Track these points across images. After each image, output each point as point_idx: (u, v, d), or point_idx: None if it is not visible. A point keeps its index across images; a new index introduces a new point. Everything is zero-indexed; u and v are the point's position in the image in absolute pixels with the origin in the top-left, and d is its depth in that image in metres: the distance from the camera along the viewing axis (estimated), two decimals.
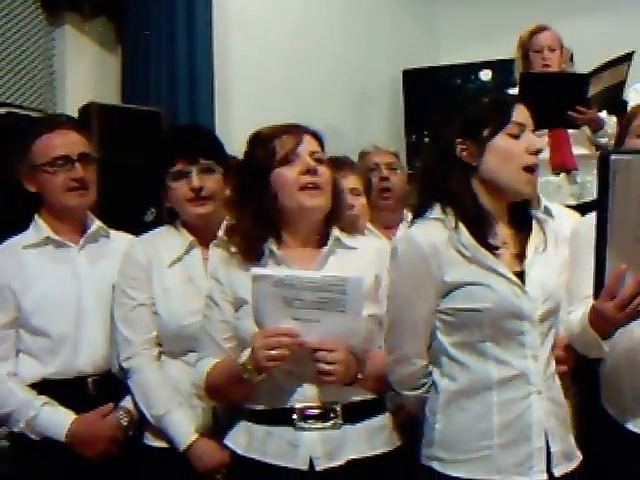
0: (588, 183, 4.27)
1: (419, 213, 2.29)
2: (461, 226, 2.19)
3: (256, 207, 2.35)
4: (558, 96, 4.07)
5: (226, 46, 5.32)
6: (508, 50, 5.52)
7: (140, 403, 2.63)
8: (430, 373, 2.27)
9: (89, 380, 2.67)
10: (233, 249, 2.39)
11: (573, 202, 4.26)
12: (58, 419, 2.60)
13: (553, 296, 2.24)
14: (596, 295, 2.15)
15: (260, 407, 2.30)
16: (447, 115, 2.32)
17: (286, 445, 2.23)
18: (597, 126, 4.24)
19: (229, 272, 2.38)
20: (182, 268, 2.66)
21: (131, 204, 3.55)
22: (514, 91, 4.15)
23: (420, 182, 2.36)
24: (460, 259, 2.17)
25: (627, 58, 4.21)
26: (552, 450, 2.16)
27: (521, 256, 2.24)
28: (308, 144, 2.37)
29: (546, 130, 4.25)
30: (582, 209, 3.33)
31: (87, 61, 4.99)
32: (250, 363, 2.20)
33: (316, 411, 2.25)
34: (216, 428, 2.55)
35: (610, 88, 4.25)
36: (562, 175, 4.41)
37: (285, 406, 2.25)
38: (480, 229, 2.20)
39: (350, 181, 3.00)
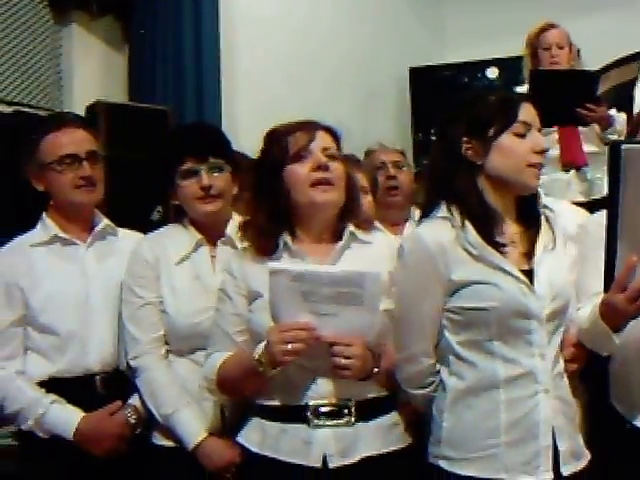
0: (598, 180, 4.26)
1: (426, 212, 2.29)
2: (468, 224, 2.19)
3: (270, 203, 2.35)
4: (568, 93, 4.08)
5: (232, 45, 5.33)
6: (514, 48, 5.52)
7: (148, 402, 2.62)
8: (438, 372, 2.27)
9: (97, 378, 2.67)
10: (246, 244, 2.40)
11: (583, 199, 4.26)
12: (66, 417, 2.61)
13: (562, 294, 2.23)
14: (606, 287, 2.14)
15: (273, 403, 2.29)
16: (453, 113, 2.32)
17: (300, 442, 2.22)
18: (606, 123, 4.23)
19: (243, 265, 2.38)
20: (190, 266, 2.65)
21: (138, 202, 3.57)
22: (522, 89, 4.15)
23: (427, 180, 2.37)
24: (467, 258, 2.17)
25: (638, 57, 4.20)
26: (560, 449, 2.16)
27: (529, 254, 2.24)
28: (321, 140, 2.37)
29: (556, 127, 4.26)
30: (592, 206, 3.33)
31: (94, 60, 5.01)
32: (265, 357, 2.19)
33: (330, 408, 2.24)
34: (224, 426, 2.55)
35: (620, 86, 4.25)
36: (572, 172, 4.41)
37: (299, 403, 2.24)
38: (487, 227, 2.19)
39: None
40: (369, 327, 2.20)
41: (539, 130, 2.27)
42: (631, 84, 4.30)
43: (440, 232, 2.20)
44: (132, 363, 2.65)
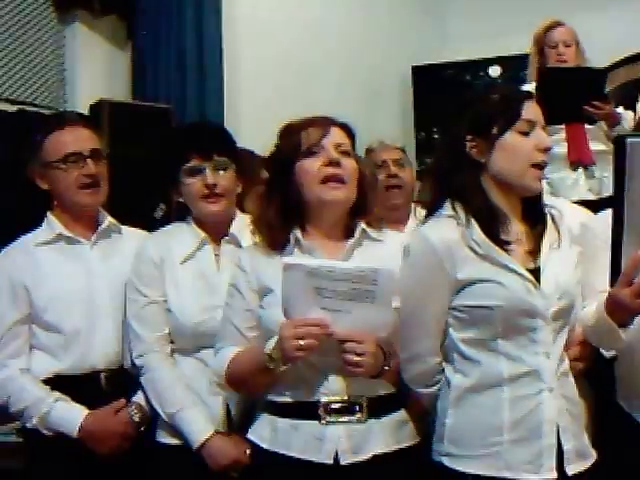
0: (606, 178, 4.24)
1: (431, 211, 2.28)
2: (473, 223, 2.18)
3: (281, 198, 2.35)
4: (575, 90, 4.07)
5: (235, 44, 5.34)
6: (517, 46, 5.54)
7: (153, 401, 2.63)
8: (443, 370, 2.27)
9: (101, 375, 2.67)
10: (258, 238, 2.39)
11: (591, 197, 4.24)
12: (70, 415, 2.61)
13: (568, 293, 2.23)
14: (612, 282, 2.12)
15: (285, 400, 2.28)
16: (457, 112, 2.31)
17: (311, 439, 2.22)
18: (614, 121, 4.20)
19: (254, 260, 2.37)
20: (194, 265, 2.66)
21: (141, 200, 3.57)
22: (530, 87, 4.12)
23: (431, 179, 2.35)
24: (473, 256, 2.16)
25: None
26: (564, 448, 2.15)
27: (535, 253, 2.23)
28: (334, 136, 2.36)
29: (563, 125, 4.25)
30: (601, 204, 3.32)
31: (98, 59, 5.02)
32: (276, 352, 2.18)
33: (341, 405, 2.23)
34: (229, 425, 2.56)
35: (628, 84, 4.23)
36: (579, 170, 4.38)
37: (310, 399, 2.24)
38: (492, 226, 2.19)
39: None
40: (381, 324, 2.19)
41: (543, 128, 2.26)
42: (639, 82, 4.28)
43: (446, 231, 2.18)
44: (137, 361, 2.65)
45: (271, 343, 2.21)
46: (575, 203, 3.66)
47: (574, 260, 2.35)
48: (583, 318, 2.33)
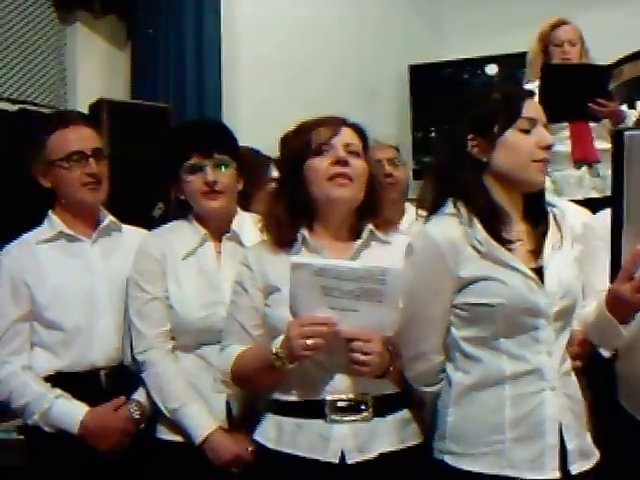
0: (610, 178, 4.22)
1: (433, 209, 2.27)
2: (476, 222, 2.17)
3: (290, 196, 2.36)
4: (579, 88, 4.04)
5: (234, 44, 5.35)
6: (514, 44, 5.54)
7: (155, 396, 2.63)
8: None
9: (102, 373, 2.69)
10: (266, 236, 2.40)
11: (596, 195, 4.23)
12: (71, 411, 2.62)
13: (571, 292, 2.21)
14: (613, 278, 2.12)
15: (290, 399, 2.28)
16: (457, 111, 2.30)
17: (317, 438, 2.21)
18: (618, 119, 4.16)
19: (260, 259, 2.38)
20: (195, 261, 2.66)
21: (140, 199, 3.59)
22: (534, 85, 4.11)
23: (433, 178, 2.33)
24: (475, 255, 2.15)
25: None
26: (568, 447, 2.14)
27: (537, 252, 2.22)
28: (344, 136, 2.37)
29: (567, 123, 4.24)
30: (605, 203, 3.33)
31: (97, 58, 5.04)
32: (283, 351, 2.18)
33: (347, 403, 2.23)
34: (230, 422, 2.57)
35: (632, 81, 4.22)
36: (584, 168, 4.37)
37: (316, 398, 2.24)
38: (494, 224, 2.17)
39: None
40: (388, 323, 2.19)
41: (545, 125, 2.25)
42: None
43: (450, 229, 2.18)
44: (139, 358, 2.66)
45: (278, 342, 2.21)
46: (579, 201, 3.67)
47: (576, 260, 2.34)
48: (583, 316, 2.33)
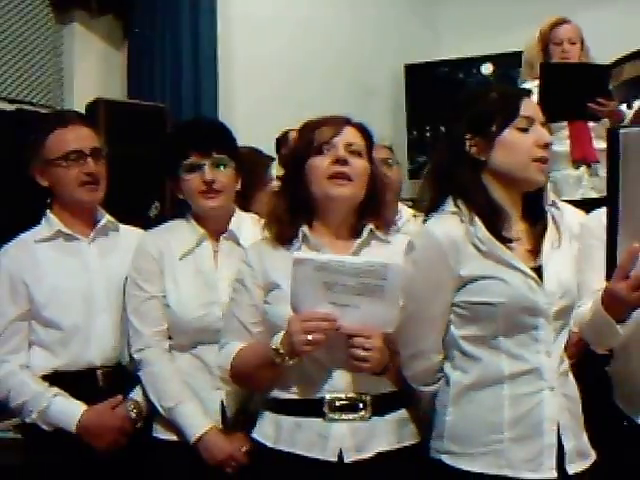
0: None
1: (432, 208, 2.26)
2: (477, 220, 2.17)
3: (291, 194, 2.37)
4: (579, 87, 4.03)
5: (230, 43, 5.36)
6: (509, 44, 5.55)
7: (151, 395, 2.64)
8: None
9: (99, 372, 2.69)
10: (268, 234, 2.41)
11: (595, 195, 4.22)
12: (69, 410, 2.63)
13: (570, 292, 2.21)
14: (609, 276, 2.11)
15: (289, 397, 2.28)
16: (455, 111, 2.30)
17: (315, 436, 2.22)
18: (617, 119, 4.14)
19: (261, 257, 2.38)
20: (192, 261, 2.66)
21: (136, 198, 3.60)
22: (533, 84, 4.10)
23: (431, 178, 2.33)
24: (476, 253, 2.15)
25: None
26: (565, 447, 2.13)
27: (535, 252, 2.21)
28: (347, 135, 2.37)
29: (566, 123, 4.24)
30: (604, 203, 3.32)
31: (94, 58, 5.05)
32: (283, 347, 2.18)
33: (345, 402, 2.23)
34: (224, 423, 2.58)
35: (631, 81, 4.21)
36: (583, 168, 4.36)
37: (315, 396, 2.24)
38: (494, 223, 2.17)
39: None
40: (388, 320, 2.18)
41: (543, 124, 2.25)
42: None
43: (451, 227, 2.17)
44: (135, 356, 2.66)
45: (278, 338, 2.21)
46: (578, 201, 3.67)
47: (574, 259, 2.34)
48: (578, 316, 2.32)
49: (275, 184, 3.04)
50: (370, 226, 2.39)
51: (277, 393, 2.31)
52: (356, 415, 2.23)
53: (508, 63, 6.01)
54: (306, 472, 2.23)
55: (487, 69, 6.69)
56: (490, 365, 2.15)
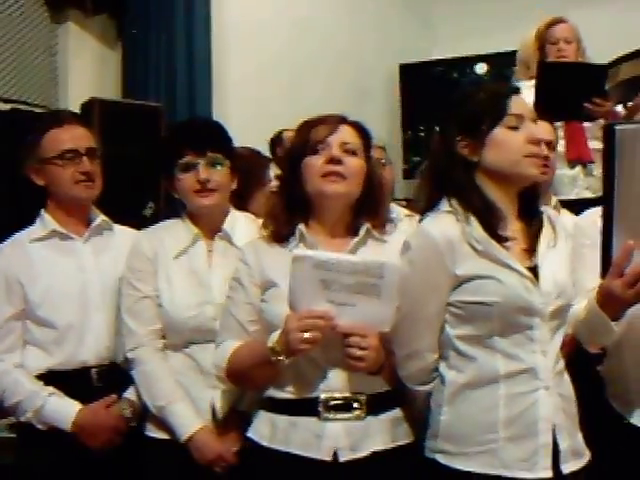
0: None
1: (428, 207, 2.26)
2: (472, 220, 2.16)
3: (288, 193, 2.38)
4: (575, 86, 4.02)
5: (224, 44, 5.36)
6: (503, 43, 5.55)
7: (143, 394, 2.64)
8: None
9: (93, 371, 2.70)
10: (265, 232, 2.41)
11: (589, 195, 4.20)
12: (64, 409, 2.64)
13: (566, 292, 2.21)
14: (604, 273, 2.10)
15: (284, 396, 2.28)
16: (446, 113, 2.30)
17: (310, 436, 2.21)
18: (613, 119, 4.02)
19: (258, 255, 2.38)
20: (186, 260, 2.66)
21: (130, 198, 3.60)
22: (530, 84, 4.09)
23: (427, 178, 2.33)
24: (471, 253, 2.14)
25: None
26: (560, 447, 2.13)
27: (531, 251, 2.21)
28: (342, 134, 2.37)
29: (560, 123, 4.19)
30: (599, 203, 3.32)
31: (89, 58, 5.05)
32: (280, 345, 2.18)
33: (340, 401, 2.23)
34: (214, 421, 2.57)
35: (629, 81, 4.20)
36: (578, 168, 4.34)
37: (310, 396, 2.24)
38: (490, 222, 2.17)
39: None
40: (385, 319, 2.18)
41: (534, 121, 2.25)
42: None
43: (447, 227, 2.17)
44: (129, 355, 2.66)
45: (274, 336, 2.21)
46: (573, 201, 3.67)
47: (569, 259, 2.33)
48: (572, 315, 2.30)
49: (273, 185, 3.04)
50: (367, 225, 2.39)
51: (272, 392, 2.31)
52: (351, 414, 2.23)
53: (502, 63, 6.01)
54: (301, 471, 2.23)
55: (482, 69, 6.70)
56: (485, 365, 2.14)
